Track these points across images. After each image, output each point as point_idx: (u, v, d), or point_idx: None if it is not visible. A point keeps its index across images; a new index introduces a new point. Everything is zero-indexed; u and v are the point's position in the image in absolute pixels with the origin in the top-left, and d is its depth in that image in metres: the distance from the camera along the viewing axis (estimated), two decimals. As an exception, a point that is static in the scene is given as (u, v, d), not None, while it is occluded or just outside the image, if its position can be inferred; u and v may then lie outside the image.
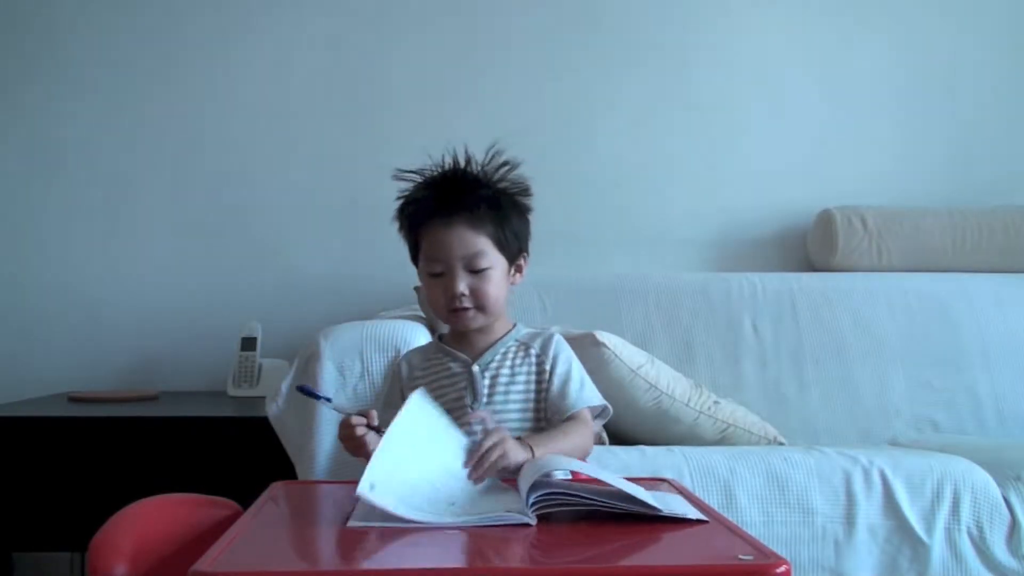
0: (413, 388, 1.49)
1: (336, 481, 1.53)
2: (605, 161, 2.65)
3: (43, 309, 2.61)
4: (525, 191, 1.50)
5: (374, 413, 1.33)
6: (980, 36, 2.73)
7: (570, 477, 1.23)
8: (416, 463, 1.20)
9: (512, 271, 1.49)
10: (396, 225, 1.50)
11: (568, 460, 1.28)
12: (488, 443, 1.27)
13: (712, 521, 1.11)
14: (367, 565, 1.03)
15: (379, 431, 1.31)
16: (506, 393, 1.44)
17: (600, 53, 2.67)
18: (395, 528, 1.07)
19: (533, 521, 1.08)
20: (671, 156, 2.67)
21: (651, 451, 1.71)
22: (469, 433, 1.34)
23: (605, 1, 2.68)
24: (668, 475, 1.50)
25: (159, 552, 1.25)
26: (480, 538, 1.05)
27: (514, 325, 1.52)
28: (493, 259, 1.44)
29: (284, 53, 2.66)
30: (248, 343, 2.45)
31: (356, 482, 1.10)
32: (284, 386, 1.78)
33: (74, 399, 2.34)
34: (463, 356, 1.48)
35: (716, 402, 1.92)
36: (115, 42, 2.64)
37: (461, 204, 1.43)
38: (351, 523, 1.10)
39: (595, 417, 1.49)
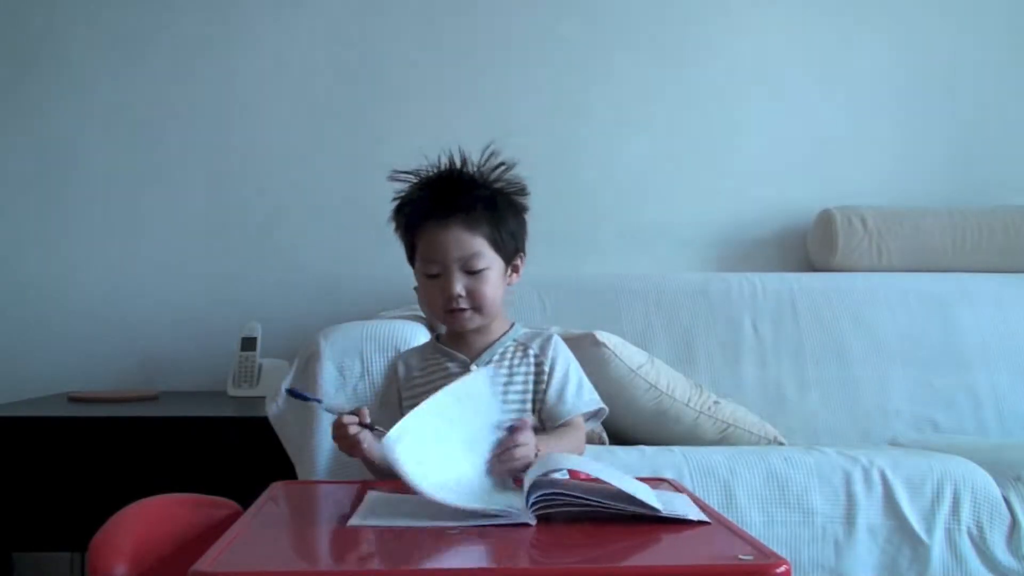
0: (410, 388, 1.50)
1: (336, 481, 1.53)
2: (605, 161, 2.65)
3: (43, 309, 2.61)
4: (521, 191, 1.50)
5: (366, 411, 1.33)
6: (980, 36, 2.73)
7: (567, 476, 1.23)
8: (446, 434, 1.21)
9: (509, 271, 1.49)
10: (392, 226, 1.50)
11: (576, 459, 1.28)
12: (521, 439, 1.26)
13: (712, 521, 1.11)
14: (367, 565, 1.03)
15: (372, 429, 1.31)
16: (504, 393, 1.44)
17: (600, 53, 2.67)
18: (395, 528, 1.08)
19: (533, 522, 1.08)
20: (671, 156, 2.66)
21: (651, 451, 1.71)
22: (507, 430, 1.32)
23: (604, 1, 2.68)
24: (668, 475, 1.51)
25: (159, 552, 1.25)
26: (480, 538, 1.05)
27: (512, 325, 1.52)
28: (489, 260, 1.44)
29: (284, 53, 2.66)
30: (248, 343, 2.45)
31: (356, 482, 1.11)
32: (284, 386, 1.78)
33: (74, 399, 2.34)
34: (461, 356, 1.48)
35: (716, 402, 1.92)
36: (115, 42, 2.64)
37: (457, 205, 1.43)
38: (351, 523, 1.10)
39: (589, 419, 1.49)
